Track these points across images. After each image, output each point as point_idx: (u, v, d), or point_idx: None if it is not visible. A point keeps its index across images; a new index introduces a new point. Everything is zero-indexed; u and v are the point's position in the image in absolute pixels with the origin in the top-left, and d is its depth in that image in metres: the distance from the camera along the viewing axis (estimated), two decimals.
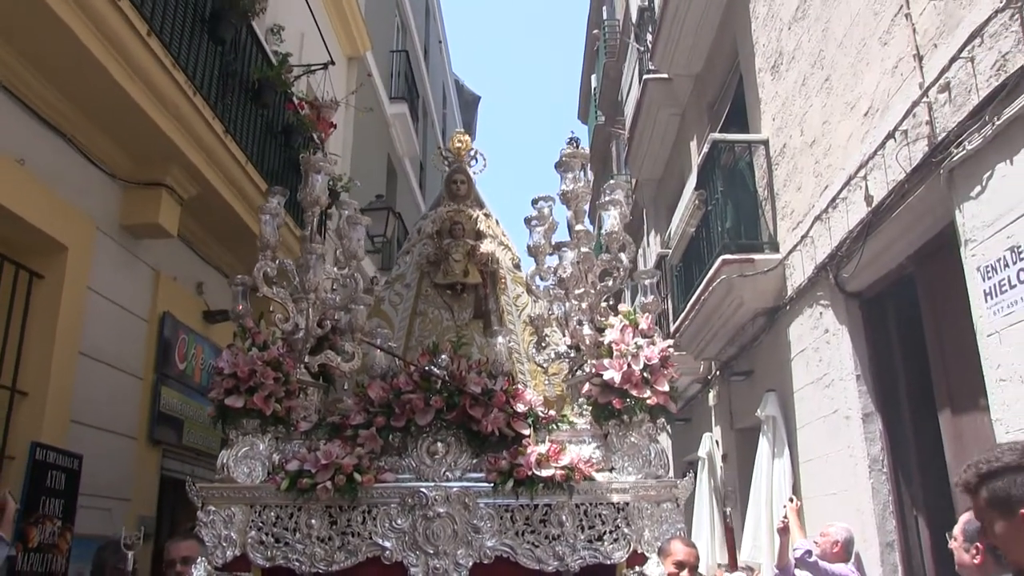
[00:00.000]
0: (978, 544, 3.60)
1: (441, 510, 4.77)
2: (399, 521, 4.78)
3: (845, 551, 6.15)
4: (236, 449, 4.91)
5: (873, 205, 5.98)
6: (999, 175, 4.54)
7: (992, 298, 4.59)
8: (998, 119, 4.48)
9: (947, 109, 5.04)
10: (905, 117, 5.51)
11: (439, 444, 4.99)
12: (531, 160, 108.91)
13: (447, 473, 4.94)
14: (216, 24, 7.40)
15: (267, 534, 4.76)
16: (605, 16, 21.98)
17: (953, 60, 4.94)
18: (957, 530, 3.78)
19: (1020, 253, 4.34)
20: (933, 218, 5.45)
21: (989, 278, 4.61)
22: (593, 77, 23.97)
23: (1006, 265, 4.45)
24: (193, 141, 7.04)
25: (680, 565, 4.48)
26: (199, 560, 4.60)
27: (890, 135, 5.70)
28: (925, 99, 5.28)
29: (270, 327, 5.29)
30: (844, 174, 6.50)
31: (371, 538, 4.76)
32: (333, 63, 11.42)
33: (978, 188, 4.72)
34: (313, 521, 4.77)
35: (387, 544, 4.74)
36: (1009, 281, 4.43)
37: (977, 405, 5.04)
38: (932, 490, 5.94)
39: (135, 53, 6.03)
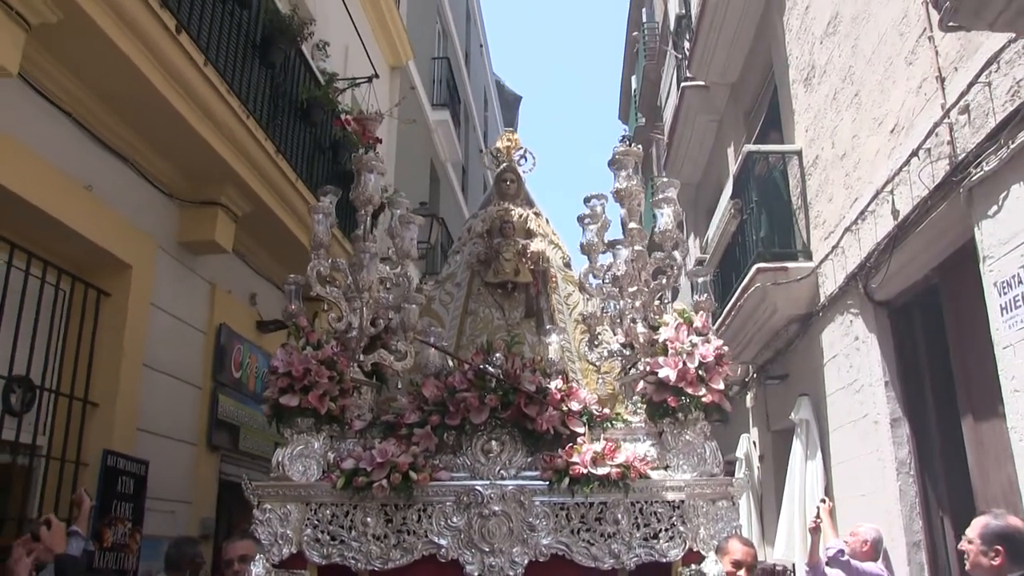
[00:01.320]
0: (998, 547, 3.85)
1: (496, 508, 4.78)
2: (455, 519, 4.80)
3: (874, 550, 6.36)
4: (291, 447, 4.95)
5: (899, 219, 6.20)
6: (1014, 196, 4.76)
7: (1007, 312, 4.80)
8: (1013, 142, 4.70)
9: (967, 130, 5.25)
10: (928, 136, 5.73)
11: (494, 442, 5.00)
12: (572, 159, 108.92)
13: (502, 471, 4.95)
14: (267, 49, 7.76)
15: (323, 532, 4.80)
16: (645, 19, 22.11)
17: (972, 84, 5.16)
18: (974, 534, 4.00)
19: None
20: (955, 233, 5.66)
21: (1005, 293, 4.83)
22: (633, 78, 24.09)
23: (1020, 282, 4.67)
24: (246, 162, 7.39)
25: (738, 564, 4.50)
26: (258, 558, 4.68)
27: (914, 153, 5.92)
28: (947, 120, 5.50)
29: (324, 327, 5.35)
30: (872, 188, 6.72)
31: (427, 536, 4.79)
32: (377, 76, 11.75)
33: (995, 207, 4.94)
34: (369, 519, 4.80)
35: (443, 542, 4.76)
36: (1023, 297, 4.64)
37: (996, 413, 5.25)
38: (956, 492, 6.15)
39: (193, 82, 6.38)
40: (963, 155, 5.26)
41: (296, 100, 8.60)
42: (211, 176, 7.32)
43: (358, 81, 11.12)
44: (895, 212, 6.29)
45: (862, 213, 6.93)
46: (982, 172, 5.01)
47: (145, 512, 6.60)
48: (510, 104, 34.60)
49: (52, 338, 6.18)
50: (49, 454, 6.03)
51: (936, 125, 5.61)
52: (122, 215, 6.60)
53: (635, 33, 22.89)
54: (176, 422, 7.34)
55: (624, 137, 6.01)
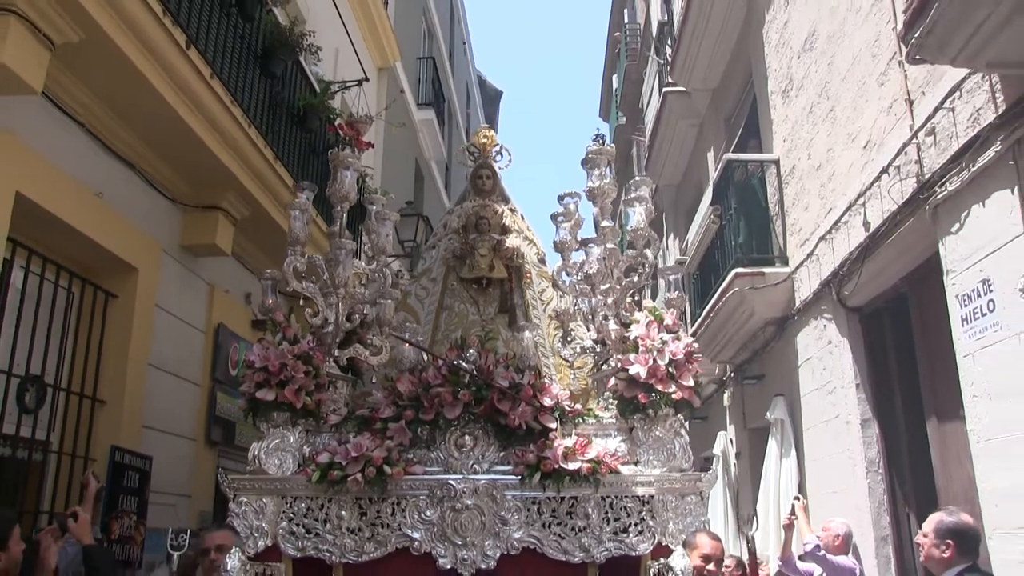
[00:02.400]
0: (949, 541, 4.24)
1: (469, 502, 4.83)
2: (428, 513, 4.84)
3: (845, 544, 6.74)
4: (267, 441, 4.97)
5: (870, 231, 6.55)
6: (974, 215, 5.11)
7: (967, 323, 5.16)
8: (973, 165, 5.05)
9: (933, 151, 5.60)
10: (898, 154, 6.08)
11: (467, 437, 5.04)
12: (553, 154, 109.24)
13: (475, 466, 4.99)
14: (268, 60, 8.05)
15: (298, 525, 4.84)
16: (626, 20, 22.36)
17: (937, 109, 5.50)
18: (929, 528, 4.39)
19: (990, 285, 4.91)
20: (922, 247, 6.00)
21: (965, 305, 5.18)
22: (614, 77, 24.36)
23: (979, 295, 5.03)
24: (247, 168, 7.69)
25: (707, 558, 4.56)
26: (233, 550, 4.72)
27: (885, 169, 6.26)
28: (915, 140, 5.84)
29: (300, 322, 5.38)
30: (846, 199, 7.06)
31: (400, 529, 4.82)
32: (367, 79, 12.01)
33: (957, 225, 5.29)
34: (343, 512, 4.83)
35: (416, 535, 4.80)
36: (981, 310, 5.00)
37: (957, 415, 5.60)
38: (921, 489, 6.52)
39: (200, 94, 6.67)
40: (929, 174, 5.60)
41: (293, 107, 8.88)
42: (213, 182, 7.61)
43: (348, 85, 11.38)
44: (867, 224, 6.63)
45: (836, 223, 7.26)
46: (946, 191, 5.35)
47: (148, 505, 6.85)
48: (491, 99, 34.65)
49: (63, 339, 6.45)
50: (61, 450, 6.31)
51: (905, 145, 5.95)
52: (129, 220, 6.88)
53: (617, 34, 23.15)
54: (177, 419, 7.64)
55: (597, 136, 6.06)
